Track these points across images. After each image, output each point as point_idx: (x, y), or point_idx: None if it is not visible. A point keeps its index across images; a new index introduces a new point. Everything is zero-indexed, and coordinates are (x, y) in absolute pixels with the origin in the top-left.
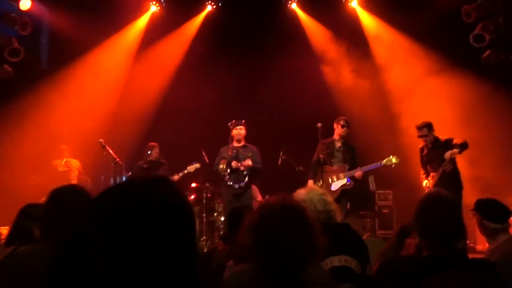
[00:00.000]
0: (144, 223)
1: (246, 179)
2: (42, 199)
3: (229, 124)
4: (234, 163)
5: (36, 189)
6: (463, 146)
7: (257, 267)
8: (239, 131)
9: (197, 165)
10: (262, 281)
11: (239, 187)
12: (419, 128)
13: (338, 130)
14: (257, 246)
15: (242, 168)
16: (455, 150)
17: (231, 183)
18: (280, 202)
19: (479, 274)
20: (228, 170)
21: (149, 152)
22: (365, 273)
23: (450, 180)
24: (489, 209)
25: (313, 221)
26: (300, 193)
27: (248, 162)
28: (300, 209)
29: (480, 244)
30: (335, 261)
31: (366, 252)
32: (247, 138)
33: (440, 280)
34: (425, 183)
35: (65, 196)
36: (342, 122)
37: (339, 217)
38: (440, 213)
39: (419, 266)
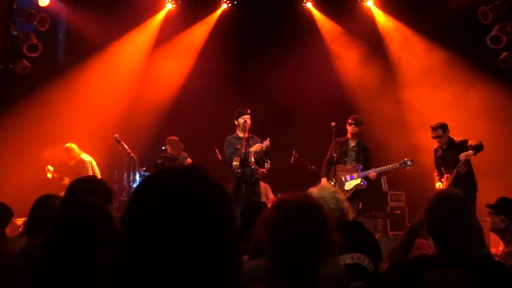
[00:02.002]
0: (185, 212)
1: (267, 164)
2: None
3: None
4: (256, 147)
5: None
6: (478, 148)
7: (272, 262)
8: (247, 119)
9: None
10: (277, 276)
11: (262, 172)
12: (434, 128)
13: (348, 129)
14: (274, 242)
15: (265, 148)
16: (470, 152)
17: (256, 167)
18: (299, 200)
19: (490, 276)
20: (252, 159)
21: (163, 148)
22: (378, 271)
23: (465, 181)
24: None
25: (330, 219)
26: (312, 191)
27: (267, 142)
28: (318, 207)
29: (493, 247)
30: (348, 258)
31: (379, 250)
32: (258, 133)
33: (446, 276)
34: (438, 185)
35: (80, 187)
36: (349, 120)
37: (351, 215)
38: (448, 212)
39: (428, 265)
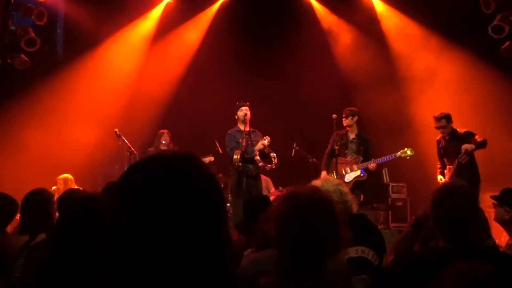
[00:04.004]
0: (173, 200)
1: (273, 159)
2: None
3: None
4: (260, 145)
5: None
6: (481, 144)
7: (281, 256)
8: (246, 112)
9: (211, 158)
10: (285, 270)
11: (270, 168)
12: (438, 119)
13: (343, 122)
14: (283, 236)
15: (266, 145)
16: (471, 145)
17: (264, 164)
18: (309, 193)
19: (500, 268)
20: (258, 157)
21: (163, 142)
22: (382, 264)
23: (467, 172)
24: None
25: (340, 213)
26: (315, 184)
27: (268, 138)
28: (328, 201)
29: (496, 239)
30: (352, 252)
31: (383, 243)
32: (259, 126)
33: (462, 270)
34: (439, 178)
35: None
36: (343, 114)
37: (355, 208)
38: (455, 203)
39: (436, 257)
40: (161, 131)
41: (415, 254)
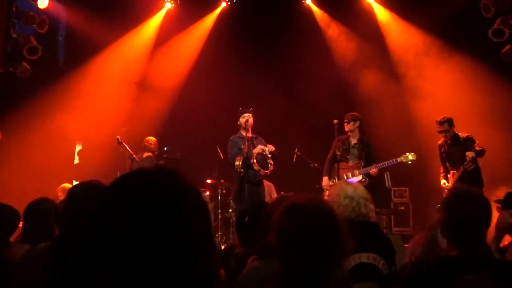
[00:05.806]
0: (155, 218)
1: (270, 166)
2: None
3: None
4: (259, 148)
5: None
6: (480, 153)
7: (282, 267)
8: (248, 118)
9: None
10: (284, 281)
11: (265, 173)
12: (440, 123)
13: (345, 127)
14: (285, 249)
15: (267, 152)
16: (472, 153)
17: (259, 168)
18: (309, 203)
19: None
20: (255, 160)
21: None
22: (391, 274)
23: (471, 178)
24: None
25: (342, 223)
26: (348, 189)
27: (271, 147)
28: (330, 211)
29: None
30: (364, 257)
31: (393, 254)
32: (261, 132)
33: (472, 281)
34: (442, 182)
35: (82, 193)
36: (345, 119)
37: (372, 217)
38: (472, 208)
39: (447, 266)
40: (154, 139)
41: (429, 264)
